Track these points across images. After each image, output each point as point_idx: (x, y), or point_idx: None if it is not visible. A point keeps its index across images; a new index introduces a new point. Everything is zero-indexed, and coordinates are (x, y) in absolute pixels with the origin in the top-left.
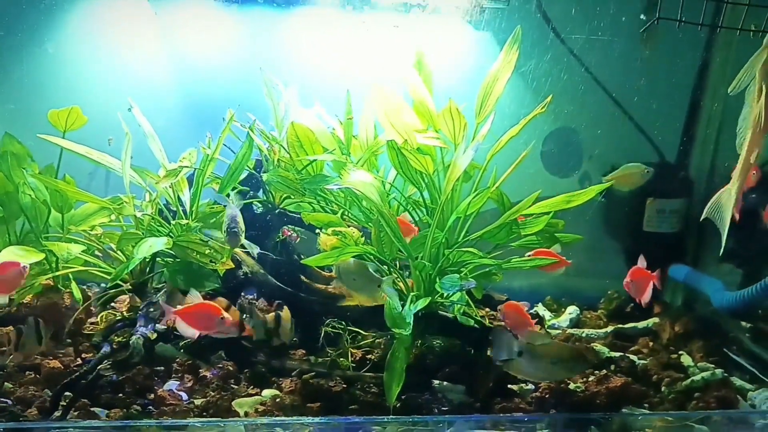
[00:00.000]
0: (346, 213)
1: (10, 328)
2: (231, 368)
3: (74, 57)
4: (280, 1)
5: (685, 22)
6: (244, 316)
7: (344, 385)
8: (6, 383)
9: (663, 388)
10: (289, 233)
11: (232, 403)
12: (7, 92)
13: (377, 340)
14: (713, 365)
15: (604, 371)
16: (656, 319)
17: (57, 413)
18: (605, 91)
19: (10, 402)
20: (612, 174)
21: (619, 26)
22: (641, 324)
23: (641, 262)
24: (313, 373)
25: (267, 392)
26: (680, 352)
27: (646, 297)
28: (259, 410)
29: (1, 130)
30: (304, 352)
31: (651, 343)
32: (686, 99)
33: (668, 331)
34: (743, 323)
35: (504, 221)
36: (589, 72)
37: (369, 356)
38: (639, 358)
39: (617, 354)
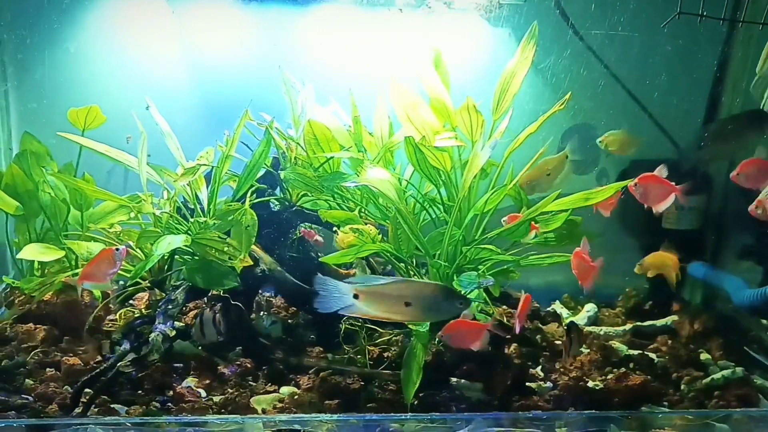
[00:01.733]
0: (363, 210)
1: (30, 325)
2: (249, 365)
3: (94, 56)
4: None
5: (707, 17)
6: (262, 313)
7: (362, 383)
8: (27, 380)
9: (683, 386)
10: (307, 231)
11: (251, 400)
12: (28, 91)
13: (394, 338)
14: (733, 363)
15: (623, 369)
16: (675, 317)
17: (77, 410)
18: (624, 88)
19: (31, 398)
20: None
21: (639, 22)
22: (660, 322)
23: (584, 246)
24: (330, 371)
25: (285, 389)
26: (700, 350)
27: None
28: (277, 407)
29: (21, 129)
30: (321, 349)
31: (670, 341)
32: (706, 95)
33: (687, 328)
34: (763, 321)
35: (522, 219)
36: (608, 68)
37: (386, 353)
38: (658, 356)
39: (636, 352)
